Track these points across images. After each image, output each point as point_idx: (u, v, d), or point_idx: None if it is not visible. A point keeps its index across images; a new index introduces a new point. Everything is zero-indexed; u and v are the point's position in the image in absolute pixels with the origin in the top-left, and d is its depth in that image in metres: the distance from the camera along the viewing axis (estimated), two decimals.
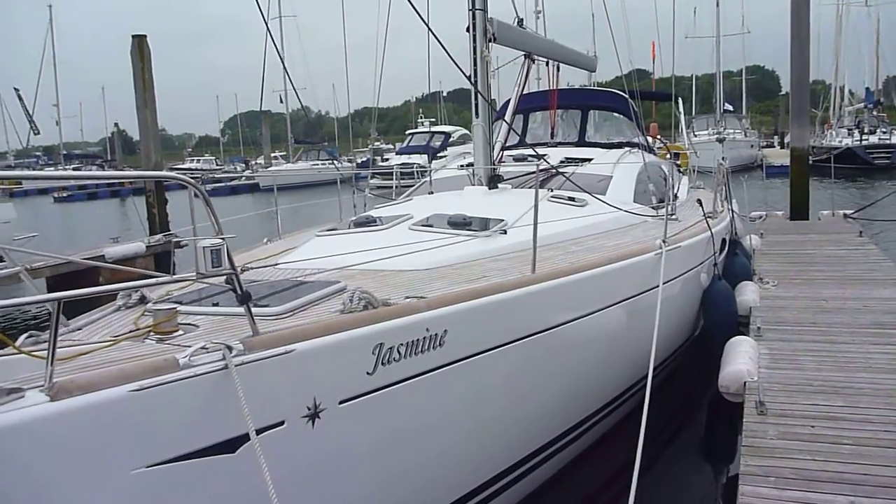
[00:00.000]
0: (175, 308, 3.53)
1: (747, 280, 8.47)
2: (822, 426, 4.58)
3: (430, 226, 5.77)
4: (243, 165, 64.93)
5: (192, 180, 2.93)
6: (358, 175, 13.52)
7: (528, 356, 4.35)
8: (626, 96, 10.85)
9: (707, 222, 7.28)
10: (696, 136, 43.94)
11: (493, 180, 7.74)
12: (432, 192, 8.17)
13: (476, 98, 7.51)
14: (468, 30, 7.52)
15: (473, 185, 7.71)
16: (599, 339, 5.11)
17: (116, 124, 77.83)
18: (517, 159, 9.06)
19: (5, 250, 3.75)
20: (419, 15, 5.74)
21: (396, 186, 10.80)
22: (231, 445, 2.91)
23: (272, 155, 63.65)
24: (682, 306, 6.89)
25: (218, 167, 70.34)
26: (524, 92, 9.86)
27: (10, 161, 73.80)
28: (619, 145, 9.99)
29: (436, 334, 3.70)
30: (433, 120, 53.26)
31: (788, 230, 13.01)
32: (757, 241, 11.26)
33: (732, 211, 10.01)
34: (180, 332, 3.39)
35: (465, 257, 5.16)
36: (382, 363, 3.45)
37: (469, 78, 7.46)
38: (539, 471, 4.99)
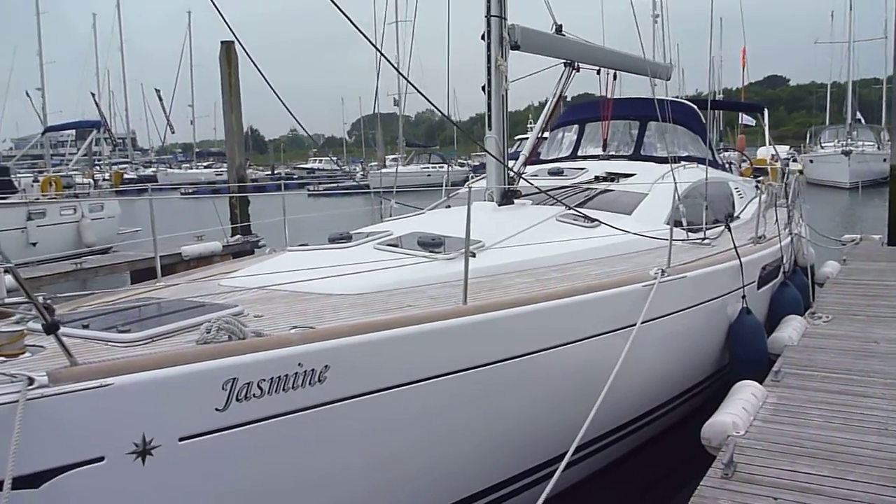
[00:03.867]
0: (22, 330, 3.43)
1: (796, 314, 7.63)
2: (786, 499, 3.95)
3: (396, 245, 5.48)
4: (359, 167, 66.44)
5: None
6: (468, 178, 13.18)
7: (446, 397, 3.99)
8: (694, 107, 10.13)
9: (736, 250, 6.59)
10: (822, 148, 41.15)
11: (508, 196, 7.34)
12: (449, 206, 7.87)
13: (489, 109, 7.14)
14: (483, 37, 7.16)
15: (486, 200, 7.34)
16: (550, 381, 4.64)
17: (251, 127, 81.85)
18: (552, 173, 8.62)
19: None
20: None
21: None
22: (33, 480, 2.76)
23: (391, 157, 64.83)
24: (695, 342, 6.26)
25: (338, 167, 72.47)
26: (583, 102, 9.40)
27: (151, 157, 79.19)
28: (676, 160, 9.30)
29: (312, 370, 3.42)
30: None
31: (879, 257, 11.73)
32: (834, 268, 10.20)
33: (795, 234, 9.10)
34: (28, 354, 3.29)
35: (412, 282, 4.84)
36: (237, 399, 3.21)
37: (483, 88, 7.12)
38: None
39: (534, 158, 11.03)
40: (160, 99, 70.54)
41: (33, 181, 19.45)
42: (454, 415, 4.08)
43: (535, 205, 7.29)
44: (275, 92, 5.38)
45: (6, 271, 2.75)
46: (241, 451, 3.26)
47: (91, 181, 22.03)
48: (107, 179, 23.51)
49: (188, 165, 73.18)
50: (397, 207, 8.42)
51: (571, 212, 6.77)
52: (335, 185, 43.89)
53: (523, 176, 7.80)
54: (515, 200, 7.41)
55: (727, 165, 12.90)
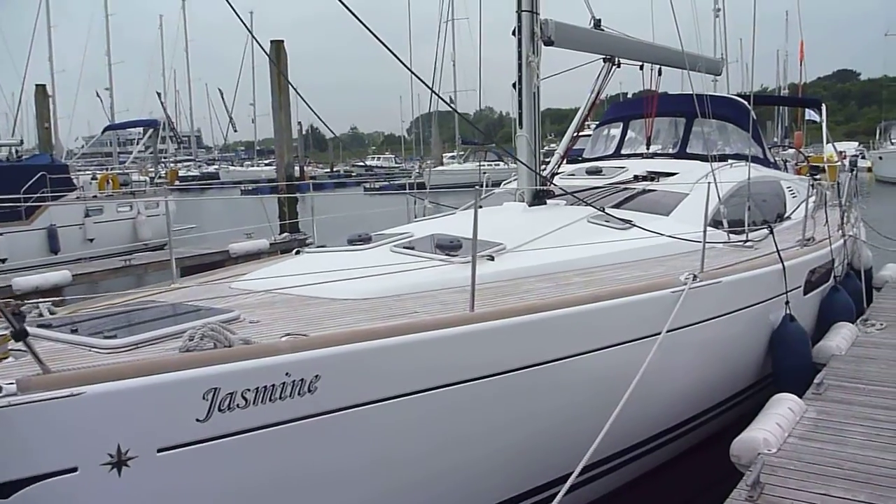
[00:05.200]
0: (5, 334, 3.39)
1: (847, 321, 7.19)
2: None
3: (412, 248, 5.32)
4: (417, 164, 66.59)
5: None
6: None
7: (448, 409, 3.81)
8: (743, 103, 9.69)
9: (778, 253, 6.23)
10: (892, 144, 39.37)
11: (540, 196, 7.10)
12: (481, 206, 7.66)
13: (520, 107, 6.92)
14: (514, 33, 6.94)
15: (517, 200, 7.12)
16: (565, 393, 4.40)
17: (311, 125, 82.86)
18: (591, 172, 8.35)
19: None
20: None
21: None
22: (3, 490, 2.70)
23: (449, 155, 64.79)
24: (732, 352, 5.92)
25: (397, 164, 72.90)
26: (630, 98, 9.08)
27: (214, 155, 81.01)
28: (723, 158, 8.91)
29: (301, 380, 3.29)
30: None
31: None
32: (894, 272, 9.62)
33: (850, 236, 8.60)
34: (11, 359, 3.24)
35: (424, 286, 4.67)
36: (219, 409, 3.10)
37: (514, 86, 6.90)
38: None
39: (576, 157, 10.75)
40: (223, 98, 71.97)
41: (91, 179, 19.95)
42: (457, 427, 3.90)
43: (569, 206, 7.03)
44: (297, 91, 5.34)
45: None
46: (223, 464, 3.15)
47: (147, 179, 22.51)
48: (162, 177, 23.86)
49: (250, 163, 74.60)
50: (431, 207, 8.27)
51: (604, 213, 6.50)
52: (389, 182, 44.10)
53: (554, 176, 7.56)
54: (549, 201, 7.17)
55: (782, 163, 12.35)
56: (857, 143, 50.07)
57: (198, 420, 3.05)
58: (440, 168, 50.43)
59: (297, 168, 61.47)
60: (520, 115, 6.97)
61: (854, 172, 10.09)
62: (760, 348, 6.28)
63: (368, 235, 5.83)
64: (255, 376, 3.16)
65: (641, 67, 9.38)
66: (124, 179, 20.70)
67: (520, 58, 6.89)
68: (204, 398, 3.04)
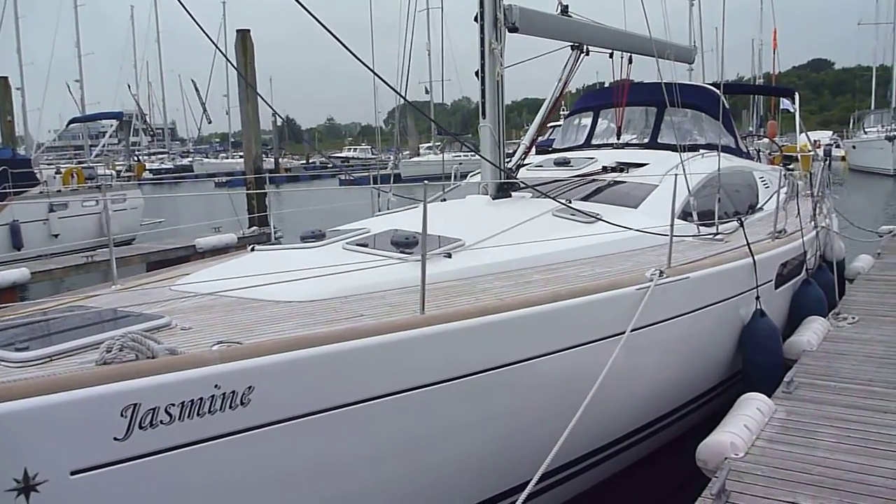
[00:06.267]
0: None
1: (819, 315, 7.05)
2: None
3: (366, 245, 5.07)
4: (392, 156, 66.24)
5: None
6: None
7: (394, 419, 3.59)
8: (716, 91, 9.51)
9: (748, 246, 6.05)
10: (865, 133, 39.56)
11: (505, 188, 6.88)
12: (444, 200, 7.44)
13: (483, 95, 6.67)
14: (476, 19, 6.69)
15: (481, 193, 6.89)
16: (521, 398, 4.18)
17: (287, 115, 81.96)
18: (559, 163, 8.14)
19: None
20: None
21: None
22: None
23: (426, 146, 64.34)
24: (700, 349, 5.75)
25: (373, 156, 72.37)
26: (602, 86, 8.88)
27: (189, 147, 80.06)
28: (694, 148, 8.74)
29: (233, 392, 3.04)
30: None
31: None
32: (866, 263, 9.50)
33: (822, 227, 8.46)
34: None
35: (375, 286, 4.43)
36: (140, 427, 2.85)
37: (476, 74, 6.65)
38: None
39: (546, 147, 10.53)
40: (197, 89, 70.98)
41: (55, 173, 19.46)
42: (407, 436, 3.68)
43: (535, 198, 6.81)
44: (251, 85, 5.07)
45: None
46: (145, 485, 2.91)
47: (113, 172, 22.01)
48: (129, 171, 23.37)
49: (224, 155, 73.66)
50: (395, 201, 8.01)
51: (570, 206, 6.29)
52: (366, 174, 43.70)
53: (520, 167, 7.34)
54: (514, 193, 6.95)
55: (756, 153, 12.22)
56: (831, 133, 50.32)
57: (116, 439, 2.80)
58: (416, 159, 50.08)
59: (273, 160, 61.16)
60: (483, 104, 6.73)
61: (827, 162, 9.93)
62: (730, 345, 6.11)
63: (322, 232, 5.57)
64: (180, 389, 2.91)
65: (611, 55, 9.17)
66: (90, 173, 20.21)
67: (482, 45, 6.64)
68: (122, 415, 2.79)
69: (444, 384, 3.69)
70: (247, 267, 4.93)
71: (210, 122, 73.43)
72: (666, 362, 5.31)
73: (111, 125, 26.49)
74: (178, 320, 3.72)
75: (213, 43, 5.04)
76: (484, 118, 6.73)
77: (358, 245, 5.09)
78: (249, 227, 16.14)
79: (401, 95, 6.09)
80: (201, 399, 2.96)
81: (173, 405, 2.90)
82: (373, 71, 5.07)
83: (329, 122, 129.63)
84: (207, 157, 72.37)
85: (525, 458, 4.28)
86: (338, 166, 54.31)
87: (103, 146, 24.42)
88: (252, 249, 5.98)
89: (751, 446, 4.43)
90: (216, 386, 3.00)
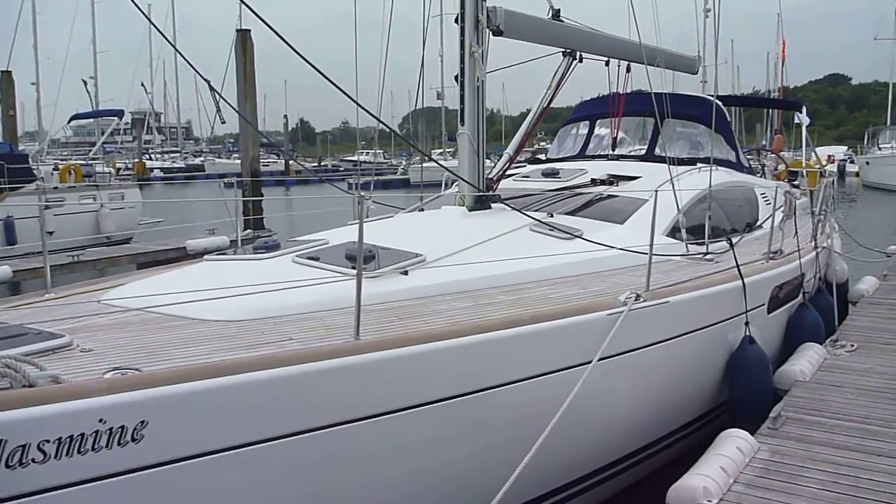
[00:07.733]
0: None
1: (816, 341, 6.62)
2: None
3: (317, 259, 4.72)
4: (404, 160, 66.18)
5: None
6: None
7: (317, 457, 3.22)
8: (715, 102, 9.11)
9: (738, 268, 5.65)
10: (879, 149, 38.86)
11: (483, 200, 6.51)
12: (422, 210, 7.09)
13: (462, 101, 6.31)
14: (456, 21, 6.33)
15: (458, 204, 6.53)
16: (468, 435, 3.80)
17: (301, 118, 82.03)
18: (547, 174, 7.77)
19: None
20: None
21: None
22: None
23: (438, 151, 64.06)
24: (679, 380, 5.35)
25: (385, 160, 72.19)
26: (604, 95, 8.54)
27: (202, 146, 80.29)
28: (692, 161, 8.35)
29: (122, 427, 2.69)
30: None
31: None
32: (871, 285, 9.05)
33: (823, 248, 8.03)
34: None
35: (316, 305, 4.06)
36: (7, 466, 2.50)
37: (456, 78, 6.30)
38: None
39: (539, 158, 10.15)
40: (211, 89, 70.94)
41: (53, 169, 19.28)
42: (327, 481, 3.30)
43: (515, 211, 6.44)
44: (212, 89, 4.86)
45: None
46: None
47: (112, 171, 21.81)
48: (129, 169, 23.19)
49: (237, 155, 73.70)
50: (374, 208, 7.65)
51: (543, 222, 5.92)
52: (378, 178, 43.59)
53: (501, 178, 6.97)
54: (494, 205, 6.57)
55: (759, 167, 11.79)
56: (846, 148, 49.57)
57: None
58: (426, 164, 49.80)
59: (284, 162, 60.99)
60: (462, 110, 6.35)
61: (832, 179, 9.50)
62: (715, 374, 5.70)
63: (277, 242, 5.22)
64: (56, 424, 2.57)
65: (607, 63, 8.78)
66: (87, 171, 20.01)
67: (462, 48, 6.27)
68: None
69: (377, 419, 3.32)
70: (188, 279, 4.59)
71: (224, 123, 73.38)
72: (642, 393, 4.92)
73: (127, 122, 26.37)
74: (82, 340, 3.37)
75: (204, 78, 5.21)
76: (462, 125, 6.35)
77: (308, 258, 4.73)
78: (244, 229, 15.86)
79: (384, 123, 5.96)
80: (83, 435, 2.62)
81: (48, 441, 2.55)
82: (356, 102, 5.19)
83: (344, 125, 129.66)
84: (220, 157, 72.41)
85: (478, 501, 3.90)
86: (318, 173, 54.42)
87: (102, 144, 24.21)
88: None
89: (726, 491, 4.03)
90: (101, 420, 2.65)
